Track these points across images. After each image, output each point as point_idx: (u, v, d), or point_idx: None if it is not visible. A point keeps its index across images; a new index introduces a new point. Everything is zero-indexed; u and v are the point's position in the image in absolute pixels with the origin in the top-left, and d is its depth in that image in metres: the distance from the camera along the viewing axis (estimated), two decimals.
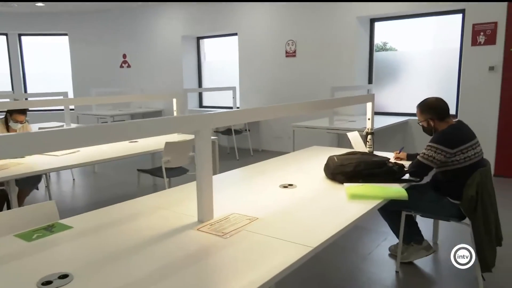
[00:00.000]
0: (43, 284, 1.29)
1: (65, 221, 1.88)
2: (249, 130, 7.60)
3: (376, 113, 6.74)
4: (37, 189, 4.29)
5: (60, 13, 9.76)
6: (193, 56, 9.12)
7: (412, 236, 2.98)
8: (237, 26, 7.93)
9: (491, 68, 5.43)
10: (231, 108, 7.92)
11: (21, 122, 4.24)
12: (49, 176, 5.96)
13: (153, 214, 2.01)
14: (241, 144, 7.73)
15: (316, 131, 5.77)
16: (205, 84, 9.25)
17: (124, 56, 9.94)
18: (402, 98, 6.72)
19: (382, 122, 5.86)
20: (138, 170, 4.27)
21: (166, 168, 3.97)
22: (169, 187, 3.62)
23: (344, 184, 2.39)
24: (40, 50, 10.66)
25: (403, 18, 6.51)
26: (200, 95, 9.33)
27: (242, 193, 2.39)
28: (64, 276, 1.34)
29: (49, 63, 10.86)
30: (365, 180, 2.40)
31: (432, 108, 2.78)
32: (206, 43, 9.26)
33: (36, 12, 9.52)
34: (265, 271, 1.34)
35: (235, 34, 8.08)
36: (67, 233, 1.76)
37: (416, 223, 3.05)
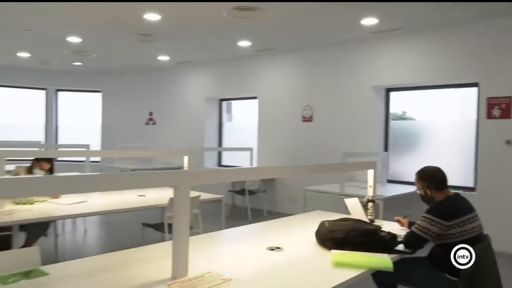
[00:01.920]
0: None
1: (45, 268, 1.92)
2: (264, 191, 7.60)
3: (392, 181, 6.67)
4: (46, 235, 4.38)
5: (95, 72, 10.46)
6: (215, 116, 9.44)
7: None
8: (257, 90, 8.24)
9: (508, 142, 5.34)
10: None
11: (45, 170, 4.45)
12: (63, 224, 6.09)
13: (132, 266, 2.02)
14: (256, 205, 7.70)
15: (328, 196, 5.72)
16: (226, 144, 9.47)
17: (150, 113, 10.40)
18: (420, 167, 6.62)
19: (396, 190, 5.76)
20: (143, 224, 4.32)
21: (169, 224, 4.00)
22: None
23: (331, 250, 2.35)
24: (75, 105, 11.32)
25: (418, 89, 6.62)
26: (220, 154, 9.51)
27: (226, 252, 2.38)
28: None
29: (82, 117, 11.47)
30: (354, 248, 2.35)
31: (430, 176, 2.75)
32: (234, 105, 9.67)
33: (73, 70, 10.25)
34: None
35: (255, 97, 8.38)
36: (42, 279, 1.79)
37: None
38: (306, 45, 7.25)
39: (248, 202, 7.31)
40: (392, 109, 6.98)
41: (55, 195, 4.03)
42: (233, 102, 9.64)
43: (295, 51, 7.62)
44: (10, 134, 10.15)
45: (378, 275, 2.74)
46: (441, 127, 6.58)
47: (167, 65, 9.45)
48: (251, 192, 7.44)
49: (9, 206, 3.49)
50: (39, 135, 10.74)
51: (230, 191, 7.82)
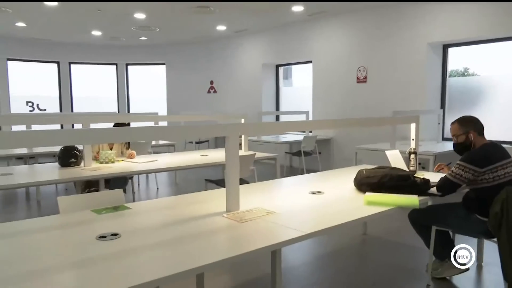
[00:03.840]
0: (99, 237, 1.82)
1: (128, 205, 2.44)
2: (319, 153, 7.88)
3: (448, 139, 6.63)
4: (125, 191, 5.06)
5: (159, 45, 11.12)
6: (272, 82, 9.74)
7: (447, 252, 3.05)
8: (311, 53, 8.38)
9: None
10: (303, 132, 8.29)
11: None
12: (139, 183, 6.87)
13: (197, 204, 2.48)
14: (312, 166, 8.01)
15: (378, 153, 5.88)
16: (285, 109, 9.78)
17: (211, 82, 10.95)
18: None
19: (450, 147, 5.76)
20: (206, 180, 4.84)
21: None
22: None
23: (365, 193, 2.64)
24: (142, 77, 12.18)
25: (478, 43, 6.39)
26: (278, 118, 9.86)
27: (273, 195, 2.77)
28: (115, 234, 1.85)
29: (150, 90, 12.33)
30: (387, 192, 2.62)
31: (473, 122, 2.87)
32: (294, 70, 9.91)
33: (140, 44, 10.99)
34: (252, 245, 1.72)
35: (310, 61, 8.53)
36: (127, 211, 2.30)
37: (452, 241, 3.11)
38: (359, 6, 7.22)
39: (304, 163, 7.65)
40: (453, 66, 6.82)
41: (131, 155, 4.65)
42: (293, 67, 9.85)
43: (348, 13, 7.61)
44: (87, 107, 11.24)
45: (414, 216, 2.99)
46: (505, 82, 6.35)
47: (225, 34, 9.82)
48: (306, 154, 7.75)
49: (95, 165, 4.14)
50: (113, 108, 11.78)
51: (287, 152, 8.20)
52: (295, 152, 7.97)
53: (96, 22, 8.45)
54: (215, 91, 10.99)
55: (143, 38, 10.14)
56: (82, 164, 4.09)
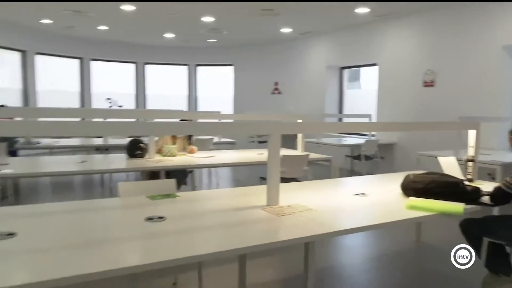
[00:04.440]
0: (147, 219, 2.03)
1: (178, 193, 2.65)
2: (382, 158, 7.70)
3: None
4: (185, 184, 5.38)
5: (227, 47, 11.53)
6: (335, 84, 9.68)
7: (500, 266, 2.90)
8: (377, 56, 8.20)
9: None
10: (365, 135, 8.16)
11: None
12: (200, 178, 7.22)
13: (241, 197, 2.63)
14: (374, 170, 7.84)
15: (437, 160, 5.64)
16: (346, 111, 9.67)
17: (276, 83, 11.12)
18: None
19: None
20: (260, 177, 4.99)
21: (281, 178, 4.58)
22: None
23: (409, 198, 2.61)
24: (210, 78, 12.69)
25: None
26: (340, 121, 9.76)
27: (316, 193, 2.84)
28: (161, 217, 2.05)
29: (217, 89, 12.82)
30: (434, 198, 2.56)
31: None
32: (362, 73, 9.78)
33: (209, 46, 11.48)
34: (286, 235, 1.82)
35: (375, 64, 8.35)
36: (176, 199, 2.51)
37: (508, 255, 2.95)
38: (429, 6, 6.95)
39: (364, 167, 7.52)
40: None
41: (192, 150, 4.94)
42: (361, 69, 9.69)
43: (416, 13, 7.36)
44: (160, 105, 11.95)
45: (466, 226, 2.89)
46: None
47: (290, 36, 9.94)
48: (368, 158, 7.61)
49: (158, 157, 4.47)
50: (183, 106, 12.41)
51: (347, 156, 8.11)
52: (356, 156, 7.86)
53: (168, 25, 9.00)
54: (279, 92, 11.15)
55: (212, 40, 10.58)
56: (146, 156, 4.44)
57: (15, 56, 9.75)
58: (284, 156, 4.51)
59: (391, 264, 3.60)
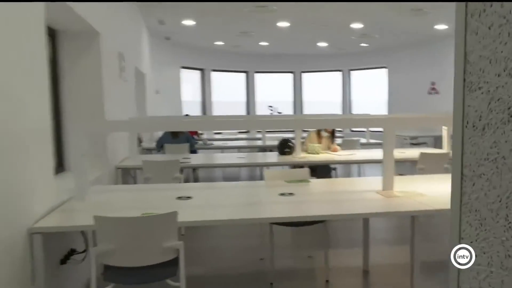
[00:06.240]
0: (280, 194, 2.65)
1: (311, 180, 3.22)
2: None
3: None
4: (330, 176, 5.88)
5: (380, 50, 11.58)
6: None
7: None
8: None
9: None
10: None
11: (329, 132, 5.92)
12: (350, 171, 7.61)
13: (358, 182, 3.05)
14: None
15: None
16: None
17: (433, 83, 10.67)
18: None
19: None
20: (399, 174, 5.17)
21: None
22: None
23: None
24: (364, 82, 12.89)
25: None
26: None
27: (433, 182, 3.04)
28: (291, 193, 2.65)
29: (372, 92, 12.93)
30: None
31: None
32: None
33: (361, 51, 11.73)
34: (389, 208, 2.22)
35: None
36: (307, 183, 3.09)
37: None
38: None
39: None
40: None
41: (334, 149, 5.44)
42: None
43: None
44: (315, 111, 12.69)
45: None
46: None
47: (446, 33, 9.49)
48: None
49: (303, 154, 5.12)
50: (337, 110, 12.92)
51: None
52: None
53: (321, 35, 9.66)
54: (436, 92, 10.68)
55: (363, 44, 10.83)
56: (294, 154, 5.13)
57: (195, 74, 11.82)
58: (422, 153, 4.65)
59: None
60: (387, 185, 2.74)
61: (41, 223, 2.08)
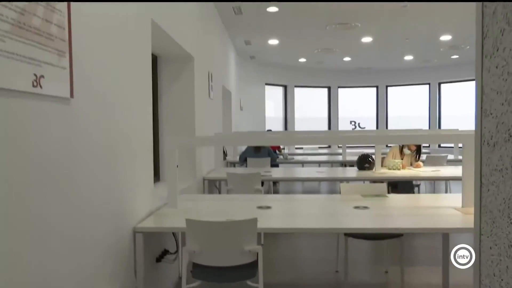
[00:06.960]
0: (355, 207, 2.75)
1: (389, 195, 3.26)
2: None
3: None
4: (413, 192, 5.69)
5: (471, 60, 10.87)
6: None
7: None
8: None
9: None
10: None
11: (412, 150, 5.75)
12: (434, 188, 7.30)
13: (436, 200, 3.02)
14: None
15: None
16: None
17: None
18: None
19: None
20: None
21: None
22: None
23: None
24: (456, 95, 12.20)
25: None
26: None
27: None
28: (366, 207, 2.74)
29: (462, 106, 12.18)
30: None
31: None
32: None
33: (452, 63, 11.17)
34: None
35: None
36: (384, 198, 3.14)
37: None
38: None
39: None
40: None
41: (417, 165, 5.30)
42: None
43: None
44: (400, 126, 12.29)
45: None
46: None
47: None
48: None
49: (383, 170, 5.08)
50: (423, 125, 12.36)
51: None
52: None
53: (406, 48, 9.44)
54: None
55: (454, 56, 10.32)
56: (373, 169, 5.12)
57: (278, 90, 12.18)
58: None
59: None
60: (467, 202, 2.70)
61: (143, 224, 2.44)
